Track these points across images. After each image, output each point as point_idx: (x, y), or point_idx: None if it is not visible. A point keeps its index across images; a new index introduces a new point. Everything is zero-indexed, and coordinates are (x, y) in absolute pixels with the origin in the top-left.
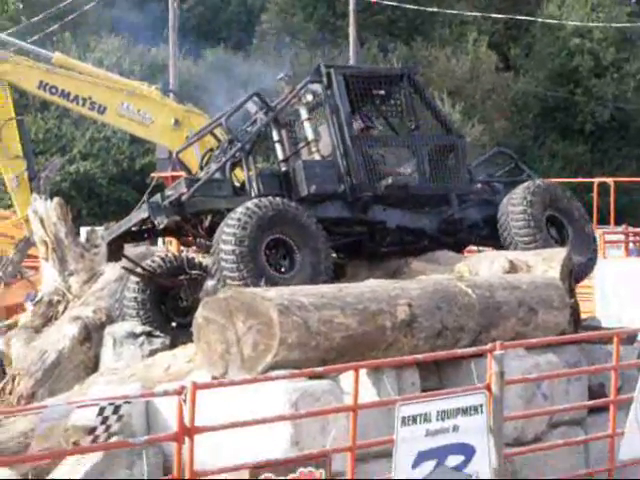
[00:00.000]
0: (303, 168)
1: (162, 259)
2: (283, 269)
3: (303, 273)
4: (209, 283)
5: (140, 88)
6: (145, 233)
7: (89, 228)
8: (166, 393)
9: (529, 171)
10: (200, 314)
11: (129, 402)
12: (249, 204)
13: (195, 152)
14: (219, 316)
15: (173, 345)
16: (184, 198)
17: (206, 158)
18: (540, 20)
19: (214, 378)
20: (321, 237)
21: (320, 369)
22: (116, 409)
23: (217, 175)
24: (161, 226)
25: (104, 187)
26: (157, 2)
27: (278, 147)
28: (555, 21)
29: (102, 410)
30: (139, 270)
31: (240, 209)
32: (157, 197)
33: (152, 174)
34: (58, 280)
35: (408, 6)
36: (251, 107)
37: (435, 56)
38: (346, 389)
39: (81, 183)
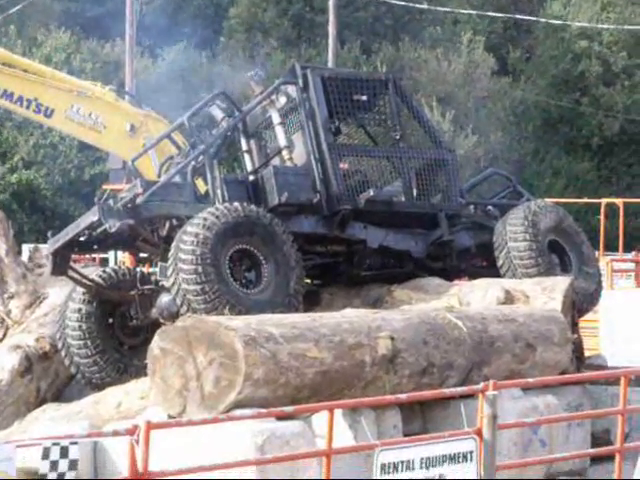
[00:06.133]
0: (274, 174)
1: (112, 271)
2: (249, 284)
3: (271, 288)
4: (164, 299)
5: (92, 89)
6: (94, 242)
7: (32, 245)
8: (116, 433)
9: (528, 195)
10: (156, 344)
11: (75, 442)
12: (211, 209)
13: (153, 161)
14: (177, 347)
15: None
16: (139, 200)
17: (165, 167)
18: (543, 20)
19: (170, 417)
20: (292, 249)
21: (290, 409)
22: (64, 451)
23: (177, 179)
24: (113, 230)
25: (49, 199)
26: None
27: (247, 158)
28: (560, 21)
29: (47, 451)
30: (86, 282)
31: (202, 214)
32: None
33: (103, 186)
34: None
35: (395, 1)
36: (217, 113)
37: (424, 58)
38: (319, 432)
39: (23, 194)
